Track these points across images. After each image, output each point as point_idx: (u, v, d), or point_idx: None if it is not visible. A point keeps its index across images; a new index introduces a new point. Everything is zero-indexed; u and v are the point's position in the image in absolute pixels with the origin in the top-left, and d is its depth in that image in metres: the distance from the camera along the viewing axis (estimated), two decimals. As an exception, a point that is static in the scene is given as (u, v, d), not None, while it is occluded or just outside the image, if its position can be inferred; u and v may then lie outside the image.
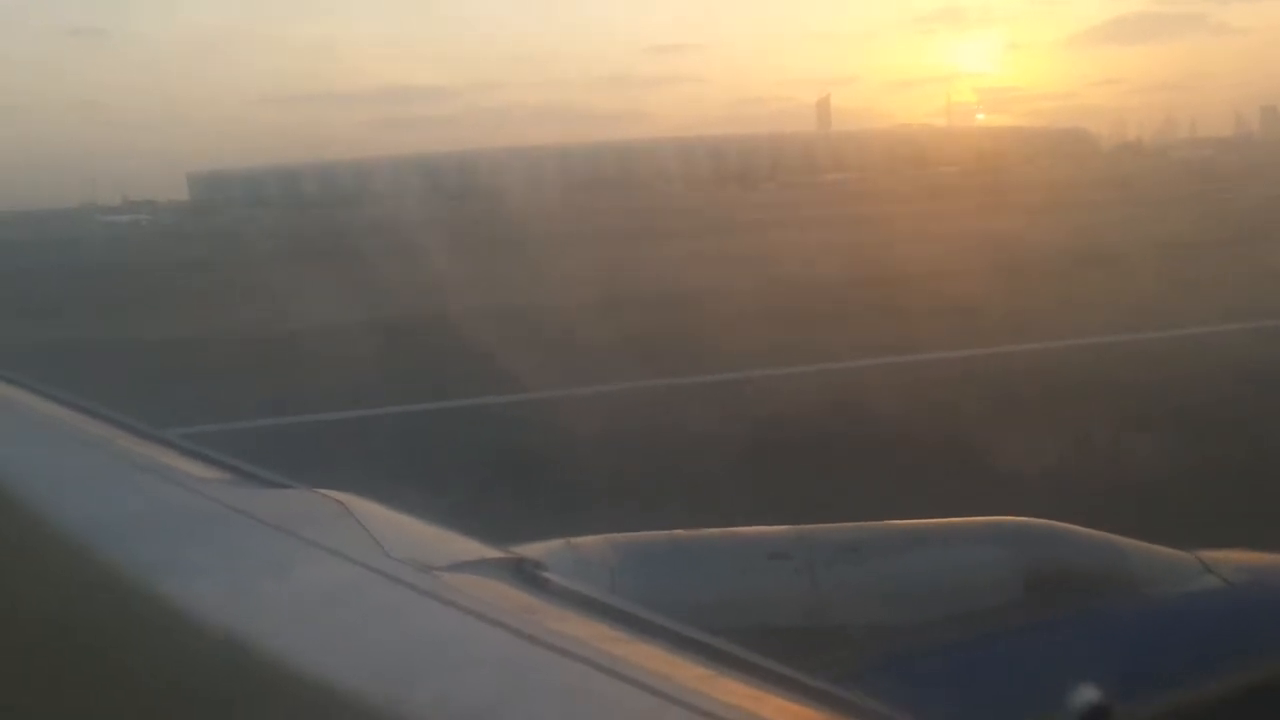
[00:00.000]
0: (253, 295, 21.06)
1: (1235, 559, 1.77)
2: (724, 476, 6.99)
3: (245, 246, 39.71)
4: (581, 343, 12.46)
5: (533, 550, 1.29)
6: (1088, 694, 1.13)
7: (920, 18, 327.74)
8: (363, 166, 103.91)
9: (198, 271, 30.00)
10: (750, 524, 1.77)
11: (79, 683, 1.03)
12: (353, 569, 1.07)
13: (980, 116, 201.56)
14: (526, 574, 1.07)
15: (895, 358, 11.30)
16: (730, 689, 0.84)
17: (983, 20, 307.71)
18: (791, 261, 22.76)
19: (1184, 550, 1.77)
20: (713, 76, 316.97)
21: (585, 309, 15.26)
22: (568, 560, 1.51)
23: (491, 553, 1.12)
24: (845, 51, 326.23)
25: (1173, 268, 17.45)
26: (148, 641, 1.01)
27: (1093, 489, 6.19)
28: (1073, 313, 13.87)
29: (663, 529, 1.73)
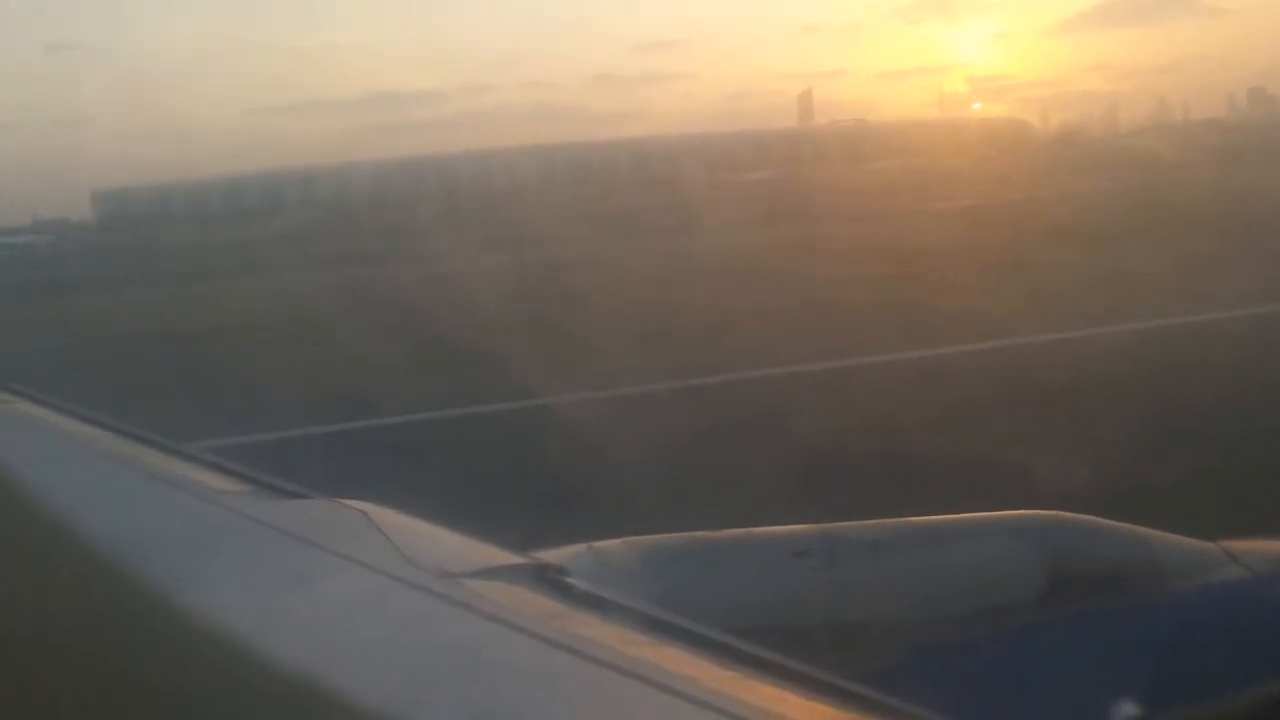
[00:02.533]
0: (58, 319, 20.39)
1: (1259, 549, 1.76)
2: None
3: (101, 269, 38.32)
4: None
5: (555, 555, 1.30)
6: (1124, 708, 1.13)
7: (906, 8, 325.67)
8: (279, 177, 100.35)
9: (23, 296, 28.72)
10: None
11: (104, 694, 1.03)
12: (376, 578, 1.08)
13: (976, 106, 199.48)
14: (549, 579, 1.08)
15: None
16: (755, 690, 0.85)
17: (969, 9, 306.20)
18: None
19: (1208, 540, 1.76)
20: (700, 73, 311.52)
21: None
22: (590, 565, 1.50)
23: (514, 559, 1.13)
24: (833, 44, 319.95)
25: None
26: (173, 653, 1.01)
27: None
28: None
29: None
